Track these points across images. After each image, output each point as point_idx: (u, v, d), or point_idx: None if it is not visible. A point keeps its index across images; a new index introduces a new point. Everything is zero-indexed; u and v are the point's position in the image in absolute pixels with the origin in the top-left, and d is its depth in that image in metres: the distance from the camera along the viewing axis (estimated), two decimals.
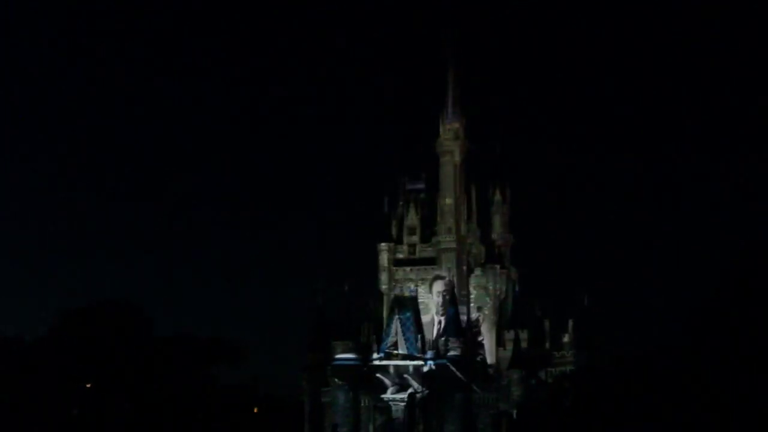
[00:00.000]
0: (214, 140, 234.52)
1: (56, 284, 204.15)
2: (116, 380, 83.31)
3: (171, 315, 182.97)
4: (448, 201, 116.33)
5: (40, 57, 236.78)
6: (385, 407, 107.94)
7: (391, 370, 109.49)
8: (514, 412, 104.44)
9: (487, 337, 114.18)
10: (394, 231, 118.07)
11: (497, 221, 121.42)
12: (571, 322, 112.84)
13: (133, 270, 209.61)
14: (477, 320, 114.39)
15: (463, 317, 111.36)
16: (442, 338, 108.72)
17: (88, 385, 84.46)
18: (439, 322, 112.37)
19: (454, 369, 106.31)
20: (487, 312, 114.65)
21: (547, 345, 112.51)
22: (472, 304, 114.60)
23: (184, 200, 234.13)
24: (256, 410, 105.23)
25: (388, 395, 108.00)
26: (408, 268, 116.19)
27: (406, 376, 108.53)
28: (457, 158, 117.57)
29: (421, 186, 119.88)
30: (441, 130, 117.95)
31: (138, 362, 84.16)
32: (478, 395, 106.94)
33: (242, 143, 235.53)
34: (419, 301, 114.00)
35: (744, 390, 65.02)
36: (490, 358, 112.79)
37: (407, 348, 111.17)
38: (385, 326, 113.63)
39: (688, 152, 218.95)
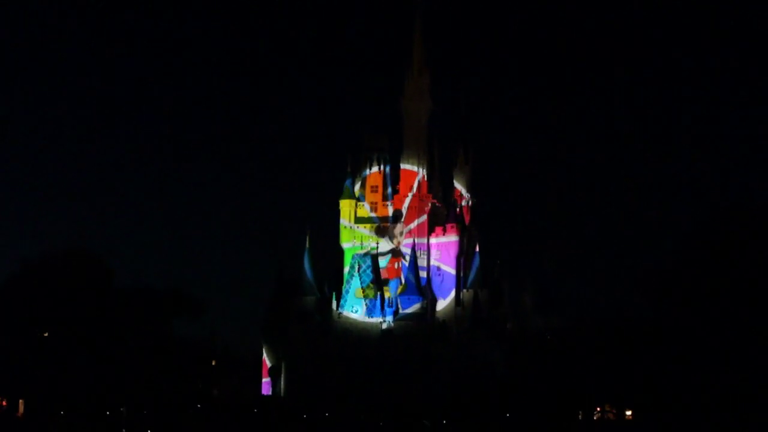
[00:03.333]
0: (185, 96, 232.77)
1: (17, 234, 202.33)
2: (74, 330, 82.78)
3: (132, 267, 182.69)
4: (411, 160, 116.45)
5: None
6: (344, 363, 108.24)
7: (350, 326, 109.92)
8: (472, 371, 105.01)
9: (447, 297, 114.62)
10: (356, 189, 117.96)
11: (459, 181, 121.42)
12: (530, 283, 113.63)
13: (94, 221, 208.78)
14: (437, 279, 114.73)
15: (423, 276, 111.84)
16: (402, 296, 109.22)
17: (45, 335, 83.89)
18: (400, 280, 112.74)
19: (413, 327, 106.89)
20: (447, 271, 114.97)
21: (506, 305, 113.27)
22: (432, 263, 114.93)
23: (148, 154, 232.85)
24: (214, 363, 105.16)
25: (346, 351, 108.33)
26: (369, 226, 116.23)
27: (365, 332, 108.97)
28: (422, 118, 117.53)
29: (384, 145, 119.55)
30: (406, 90, 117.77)
31: (97, 313, 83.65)
32: (437, 353, 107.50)
33: (214, 98, 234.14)
34: (380, 258, 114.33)
35: (698, 350, 66.09)
36: (449, 317, 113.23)
37: (367, 305, 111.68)
38: (345, 282, 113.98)
39: (655, 117, 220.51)
